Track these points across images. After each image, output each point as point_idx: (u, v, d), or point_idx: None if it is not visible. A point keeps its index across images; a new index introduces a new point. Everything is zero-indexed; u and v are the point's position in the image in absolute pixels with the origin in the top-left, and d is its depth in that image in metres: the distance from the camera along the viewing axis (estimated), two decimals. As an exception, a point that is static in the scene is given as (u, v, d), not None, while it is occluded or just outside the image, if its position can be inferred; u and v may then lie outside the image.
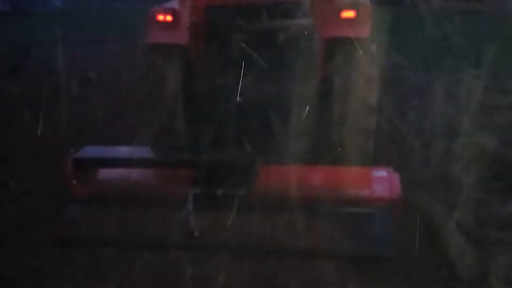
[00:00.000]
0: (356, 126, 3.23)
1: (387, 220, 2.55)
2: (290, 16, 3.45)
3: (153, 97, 3.40)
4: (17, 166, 3.91)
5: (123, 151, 3.20)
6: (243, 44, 3.30)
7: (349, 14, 3.31)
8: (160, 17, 3.39)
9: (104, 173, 3.04)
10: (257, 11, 3.45)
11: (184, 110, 3.45)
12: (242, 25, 3.41)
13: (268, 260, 2.58)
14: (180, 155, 3.04)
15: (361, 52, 3.19)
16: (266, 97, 3.52)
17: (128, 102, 5.46)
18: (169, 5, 3.54)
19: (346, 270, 2.48)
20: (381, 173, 2.77)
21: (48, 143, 4.39)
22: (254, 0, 3.52)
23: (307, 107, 3.31)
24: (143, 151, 3.10)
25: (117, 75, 7.37)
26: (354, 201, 2.63)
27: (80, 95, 6.05)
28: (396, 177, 2.66)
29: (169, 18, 3.38)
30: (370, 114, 3.27)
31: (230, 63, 3.39)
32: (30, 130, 4.75)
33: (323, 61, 3.44)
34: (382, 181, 2.72)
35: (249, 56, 3.29)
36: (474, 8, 15.28)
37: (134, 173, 3.00)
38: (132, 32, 13.77)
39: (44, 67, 8.28)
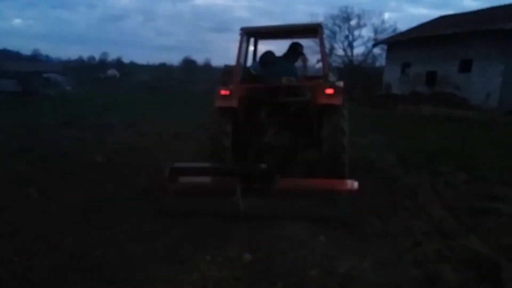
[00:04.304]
0: (336, 156, 5.58)
1: (349, 201, 4.85)
2: (297, 94, 5.97)
3: (216, 137, 5.78)
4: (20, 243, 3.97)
5: (198, 165, 5.80)
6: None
7: (330, 91, 5.70)
8: (222, 92, 5.82)
9: (187, 176, 5.33)
10: (277, 91, 6.03)
11: (233, 144, 5.88)
12: (268, 99, 6.02)
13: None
14: (232, 166, 5.63)
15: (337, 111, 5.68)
16: (281, 139, 6.05)
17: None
18: (227, 86, 5.97)
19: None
20: (349, 180, 5.14)
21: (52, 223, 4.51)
22: (275, 84, 6.06)
23: (306, 147, 6.27)
24: (209, 165, 5.64)
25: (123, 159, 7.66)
26: (333, 192, 4.99)
27: (86, 177, 6.26)
28: (356, 182, 4.93)
29: (227, 93, 5.82)
30: (344, 148, 5.60)
31: (261, 119, 6.08)
32: (36, 209, 4.92)
33: (316, 118, 5.91)
34: (348, 184, 5.01)
35: (272, 117, 6.07)
36: (462, 115, 16.13)
37: (204, 177, 5.50)
38: (135, 119, 14.37)
39: (51, 148, 8.53)
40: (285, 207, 4.77)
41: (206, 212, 4.72)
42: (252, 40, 7.26)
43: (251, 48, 7.36)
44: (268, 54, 6.52)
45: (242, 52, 6.49)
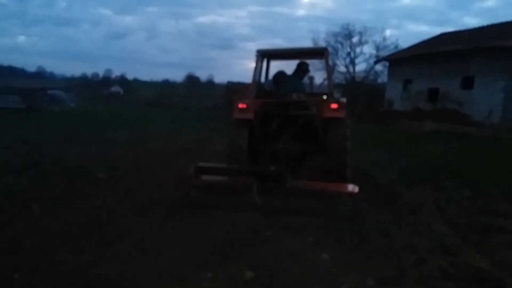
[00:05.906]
0: (340, 161, 6.21)
1: (349, 201, 5.52)
2: (305, 108, 6.69)
3: (233, 144, 6.55)
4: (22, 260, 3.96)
5: (219, 165, 6.57)
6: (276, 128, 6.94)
7: (334, 105, 6.42)
8: (240, 105, 6.60)
9: (208, 175, 6.02)
10: (288, 105, 6.77)
11: (249, 149, 6.61)
12: (279, 112, 6.78)
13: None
14: (249, 167, 6.46)
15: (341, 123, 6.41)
16: (291, 147, 6.79)
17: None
18: (244, 99, 6.73)
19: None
20: (350, 185, 5.68)
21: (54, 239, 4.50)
22: (286, 99, 6.79)
23: (312, 154, 7.12)
24: (229, 166, 6.40)
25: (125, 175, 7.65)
26: (337, 193, 5.67)
27: (89, 193, 6.25)
28: (356, 186, 5.53)
29: (244, 106, 6.60)
30: (347, 155, 6.23)
31: (273, 129, 6.86)
32: (38, 225, 4.90)
33: (321, 130, 6.68)
34: (350, 187, 5.58)
35: (283, 127, 6.83)
36: (465, 131, 16.11)
37: (224, 176, 6.18)
38: (139, 134, 14.35)
39: (54, 164, 8.53)
40: (293, 203, 5.51)
41: (227, 205, 5.48)
42: (265, 60, 8.02)
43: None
44: (281, 73, 7.37)
45: (257, 70, 7.32)
